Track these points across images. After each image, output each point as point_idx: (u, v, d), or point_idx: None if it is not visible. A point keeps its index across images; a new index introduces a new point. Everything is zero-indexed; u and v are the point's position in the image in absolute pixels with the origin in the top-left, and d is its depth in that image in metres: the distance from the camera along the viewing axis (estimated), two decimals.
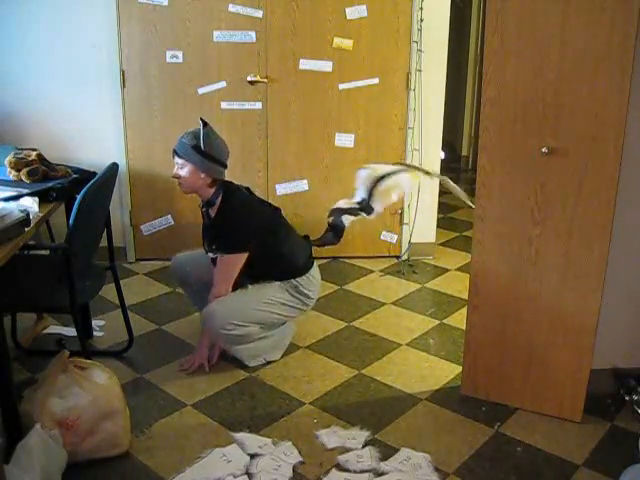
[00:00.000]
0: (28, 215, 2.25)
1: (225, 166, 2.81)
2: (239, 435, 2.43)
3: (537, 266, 2.44)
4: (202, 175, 2.73)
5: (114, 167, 2.74)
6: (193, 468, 2.25)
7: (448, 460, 2.32)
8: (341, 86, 4.03)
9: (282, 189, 4.17)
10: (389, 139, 4.15)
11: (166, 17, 3.82)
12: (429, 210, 4.26)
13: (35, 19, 3.73)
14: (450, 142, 6.91)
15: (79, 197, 2.38)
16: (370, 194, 3.01)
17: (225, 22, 3.85)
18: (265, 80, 3.96)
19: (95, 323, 3.26)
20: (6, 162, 2.76)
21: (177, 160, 2.74)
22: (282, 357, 3.01)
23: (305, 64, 3.98)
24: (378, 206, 3.03)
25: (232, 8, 3.83)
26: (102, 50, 3.82)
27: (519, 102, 2.32)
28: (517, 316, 2.53)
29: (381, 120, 4.12)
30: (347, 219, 3.07)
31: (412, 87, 4.04)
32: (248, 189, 2.96)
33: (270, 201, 3.14)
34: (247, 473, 2.23)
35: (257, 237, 2.79)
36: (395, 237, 4.30)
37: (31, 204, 2.43)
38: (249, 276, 2.87)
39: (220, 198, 2.79)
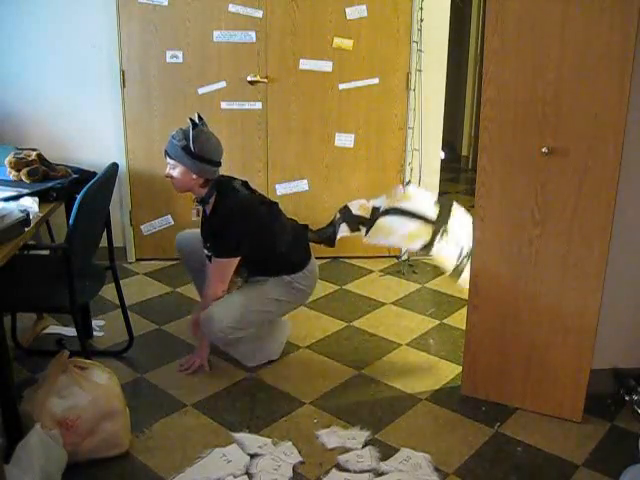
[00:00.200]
0: (28, 215, 2.25)
1: (218, 165, 2.75)
2: (239, 435, 2.43)
3: (537, 266, 2.44)
4: (194, 176, 2.69)
5: (114, 167, 2.74)
6: (193, 468, 2.25)
7: (448, 460, 2.32)
8: (341, 86, 4.03)
9: (282, 189, 4.17)
10: (389, 139, 4.15)
11: (166, 17, 3.82)
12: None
13: (35, 19, 3.73)
14: (450, 142, 6.90)
15: (79, 197, 2.37)
16: (386, 213, 3.01)
17: (225, 22, 3.85)
18: (265, 80, 3.96)
19: (95, 323, 3.26)
20: (6, 162, 2.76)
21: (169, 160, 2.71)
22: (282, 357, 3.01)
23: (305, 64, 3.98)
24: (375, 234, 3.02)
25: (232, 8, 3.83)
26: (102, 50, 3.82)
27: (519, 102, 2.32)
28: (517, 316, 2.53)
29: (381, 120, 4.12)
30: (343, 230, 3.07)
31: (412, 87, 4.04)
32: (245, 183, 2.90)
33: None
34: (247, 473, 2.23)
35: (250, 238, 2.76)
36: None
37: (31, 204, 2.43)
38: (246, 268, 2.87)
39: (214, 197, 2.77)
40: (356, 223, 3.12)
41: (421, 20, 3.91)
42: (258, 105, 4.00)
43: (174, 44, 3.87)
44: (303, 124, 4.08)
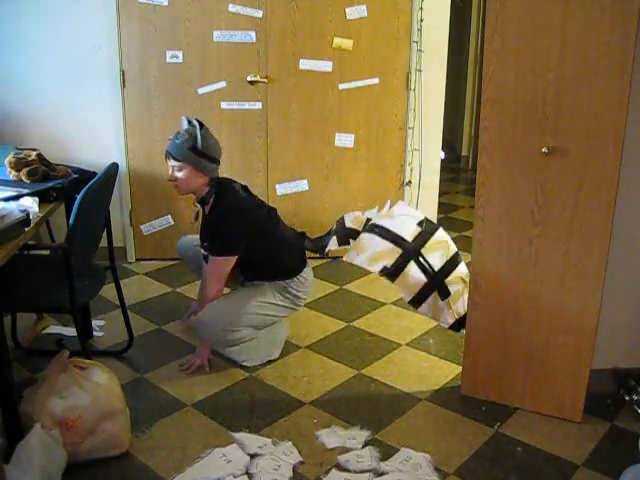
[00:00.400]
0: (28, 215, 2.25)
1: (219, 162, 2.81)
2: (239, 435, 2.43)
3: (537, 266, 2.44)
4: (200, 175, 2.73)
5: (114, 167, 2.74)
6: (193, 468, 2.25)
7: (448, 460, 2.32)
8: (341, 86, 4.03)
9: (282, 189, 4.17)
10: (389, 139, 4.15)
11: (166, 17, 3.82)
12: (429, 209, 4.26)
13: (35, 19, 3.73)
14: (450, 142, 6.91)
15: (79, 197, 2.37)
16: (365, 229, 2.95)
17: (225, 22, 3.86)
18: (265, 80, 3.96)
19: (95, 323, 3.26)
20: (6, 162, 2.76)
21: (172, 163, 2.72)
22: (282, 357, 3.01)
23: (305, 64, 3.98)
24: (351, 251, 2.92)
25: (232, 8, 3.83)
26: (102, 50, 3.82)
27: (519, 102, 2.32)
28: (517, 316, 2.53)
29: (381, 120, 4.12)
30: (332, 243, 3.05)
31: (412, 87, 4.05)
32: (245, 187, 2.94)
33: (270, 201, 3.14)
34: (247, 473, 2.23)
35: (247, 240, 2.77)
36: None
37: (31, 204, 2.43)
38: (242, 271, 2.87)
39: (213, 197, 2.78)
40: (346, 237, 3.07)
41: (421, 20, 3.91)
42: (258, 105, 4.00)
43: (174, 44, 3.87)
44: (303, 124, 4.08)
